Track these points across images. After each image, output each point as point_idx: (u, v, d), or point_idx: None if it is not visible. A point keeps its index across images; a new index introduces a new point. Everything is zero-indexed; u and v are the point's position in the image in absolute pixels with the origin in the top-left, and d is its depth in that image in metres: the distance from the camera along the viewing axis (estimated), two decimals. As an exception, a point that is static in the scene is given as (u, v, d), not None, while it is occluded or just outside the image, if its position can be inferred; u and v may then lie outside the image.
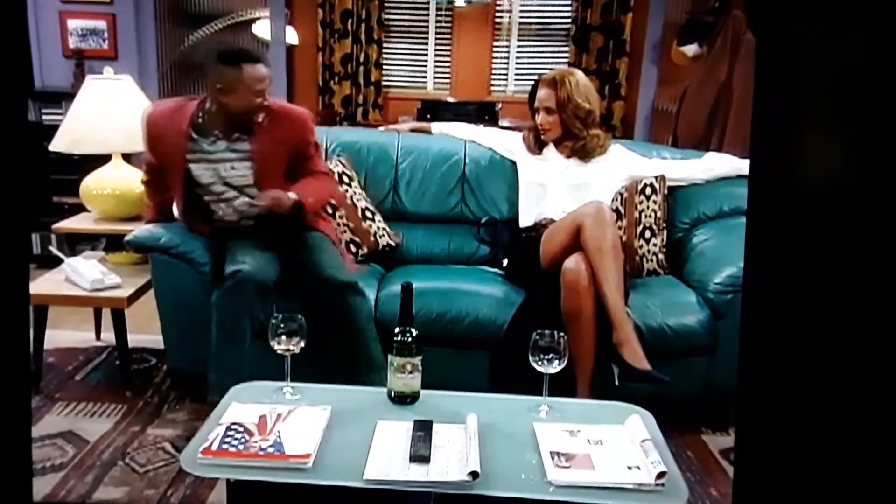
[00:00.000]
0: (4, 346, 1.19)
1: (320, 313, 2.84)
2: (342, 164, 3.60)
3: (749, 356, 1.24)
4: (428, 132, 3.88)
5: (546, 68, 3.55)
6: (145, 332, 3.77)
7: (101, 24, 5.52)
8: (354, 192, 3.57)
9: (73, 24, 5.50)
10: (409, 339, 2.23)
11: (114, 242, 3.68)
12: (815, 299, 1.12)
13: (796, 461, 1.17)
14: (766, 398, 1.22)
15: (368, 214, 3.56)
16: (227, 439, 2.01)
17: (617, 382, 2.83)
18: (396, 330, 2.24)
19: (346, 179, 3.57)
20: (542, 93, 3.42)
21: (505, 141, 3.69)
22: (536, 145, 3.52)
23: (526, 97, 3.57)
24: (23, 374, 1.27)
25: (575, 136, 3.42)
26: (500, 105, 5.90)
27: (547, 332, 2.21)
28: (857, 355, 1.08)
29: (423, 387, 2.31)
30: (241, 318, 2.87)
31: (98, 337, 3.91)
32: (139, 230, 3.15)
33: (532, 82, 3.52)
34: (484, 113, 5.83)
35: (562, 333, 2.22)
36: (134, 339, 3.53)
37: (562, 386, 2.53)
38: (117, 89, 3.75)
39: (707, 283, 3.10)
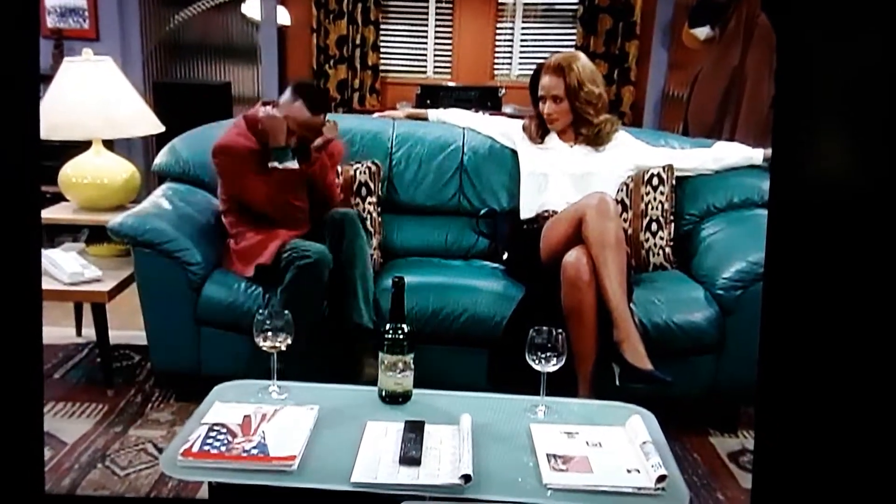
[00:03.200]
0: (19, 341, 1.23)
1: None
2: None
3: (769, 355, 1.26)
4: (424, 119, 3.89)
5: (552, 51, 3.55)
6: (129, 328, 3.77)
7: (81, 3, 5.51)
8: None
9: (50, 1, 5.48)
10: (401, 336, 2.25)
11: (96, 234, 3.69)
12: (838, 296, 1.14)
13: (818, 462, 1.19)
14: (787, 397, 1.23)
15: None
16: (210, 440, 2.03)
17: (618, 382, 2.84)
18: (387, 326, 2.26)
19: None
20: (548, 80, 3.42)
21: (505, 129, 3.69)
22: (538, 134, 3.52)
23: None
24: (36, 365, 1.31)
25: (588, 123, 3.44)
26: (503, 90, 5.91)
27: (544, 328, 2.23)
28: (883, 353, 1.10)
29: (419, 386, 2.33)
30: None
31: (79, 333, 3.92)
32: (125, 216, 3.16)
33: (537, 66, 3.53)
34: (486, 99, 5.85)
35: (559, 330, 2.23)
36: (116, 336, 3.55)
37: (562, 385, 2.55)
38: (97, 72, 3.75)
39: (715, 277, 3.11)
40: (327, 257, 3.00)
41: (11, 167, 1.20)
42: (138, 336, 3.49)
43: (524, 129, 3.59)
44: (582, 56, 3.48)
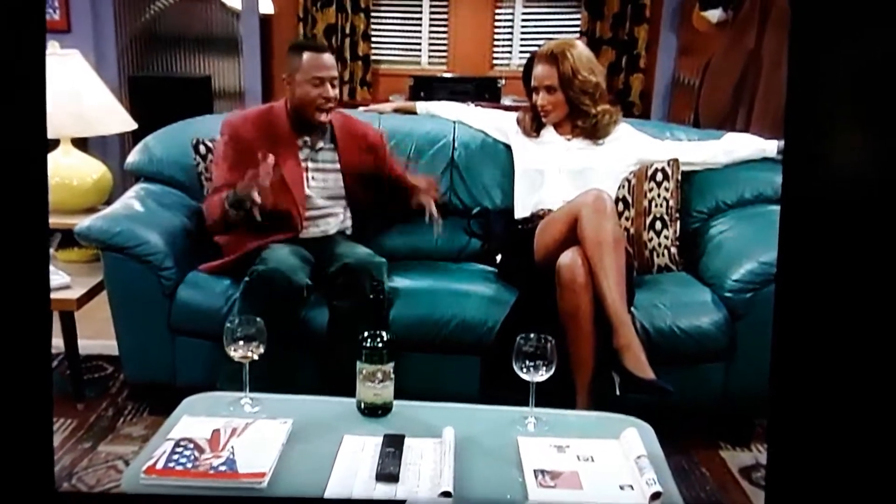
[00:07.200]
0: (30, 350, 1.25)
1: None
2: None
3: (782, 362, 1.26)
4: (413, 113, 3.90)
5: (556, 38, 3.56)
6: (102, 338, 3.77)
7: (51, -9, 5.50)
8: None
9: (19, -10, 5.48)
10: (380, 344, 2.24)
11: (66, 238, 3.70)
12: (855, 298, 1.14)
13: (835, 478, 1.19)
14: (802, 407, 1.23)
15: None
16: (175, 456, 2.04)
17: (618, 392, 2.84)
18: (365, 334, 2.25)
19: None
20: (541, 69, 3.42)
21: (498, 122, 3.70)
22: (534, 127, 3.52)
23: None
24: (45, 373, 1.34)
25: (584, 114, 3.44)
26: (502, 81, 5.91)
27: (532, 335, 2.22)
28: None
29: (406, 397, 2.33)
30: None
31: (47, 343, 3.91)
32: (93, 220, 3.17)
33: (530, 55, 3.53)
34: (484, 90, 5.85)
35: (549, 337, 2.23)
36: (88, 346, 3.55)
37: (560, 395, 2.55)
38: (64, 66, 3.76)
39: (724, 280, 3.10)
40: (282, 274, 2.93)
41: (24, 171, 1.22)
42: (112, 346, 3.47)
43: (518, 122, 3.60)
44: (578, 43, 3.48)
